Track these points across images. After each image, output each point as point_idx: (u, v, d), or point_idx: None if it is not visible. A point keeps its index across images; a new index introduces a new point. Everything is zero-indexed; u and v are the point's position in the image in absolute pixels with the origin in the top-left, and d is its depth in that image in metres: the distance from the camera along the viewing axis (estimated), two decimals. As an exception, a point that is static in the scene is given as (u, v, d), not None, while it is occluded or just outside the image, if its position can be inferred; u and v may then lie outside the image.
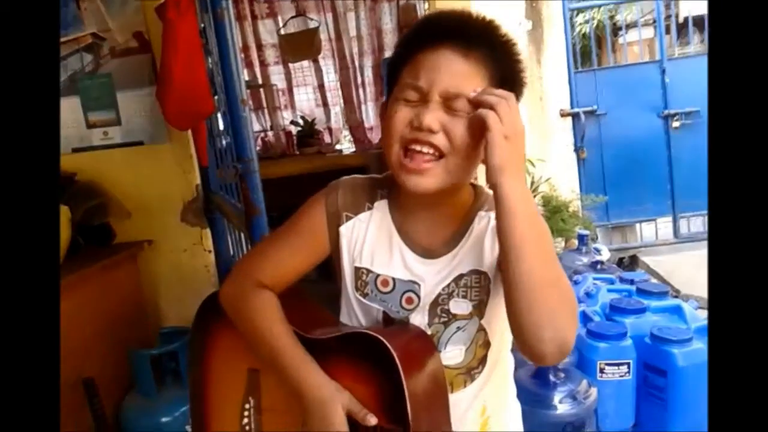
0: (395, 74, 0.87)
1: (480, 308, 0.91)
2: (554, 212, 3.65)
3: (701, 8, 4.98)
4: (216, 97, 2.09)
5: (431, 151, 0.82)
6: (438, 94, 0.81)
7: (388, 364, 0.81)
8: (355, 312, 0.95)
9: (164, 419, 2.01)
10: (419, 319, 0.90)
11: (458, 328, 0.91)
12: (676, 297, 2.84)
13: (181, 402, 2.02)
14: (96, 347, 2.12)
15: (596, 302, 2.39)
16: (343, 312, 0.98)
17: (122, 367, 2.18)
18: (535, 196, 3.84)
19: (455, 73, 0.81)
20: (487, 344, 0.94)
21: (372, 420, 0.82)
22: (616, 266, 3.35)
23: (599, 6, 5.24)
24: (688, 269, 3.73)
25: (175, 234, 2.52)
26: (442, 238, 0.91)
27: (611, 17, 5.70)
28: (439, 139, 0.82)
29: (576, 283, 2.56)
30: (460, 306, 0.90)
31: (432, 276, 0.90)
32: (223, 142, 2.38)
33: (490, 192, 0.93)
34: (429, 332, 0.91)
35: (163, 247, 2.53)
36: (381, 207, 0.94)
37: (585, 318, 2.27)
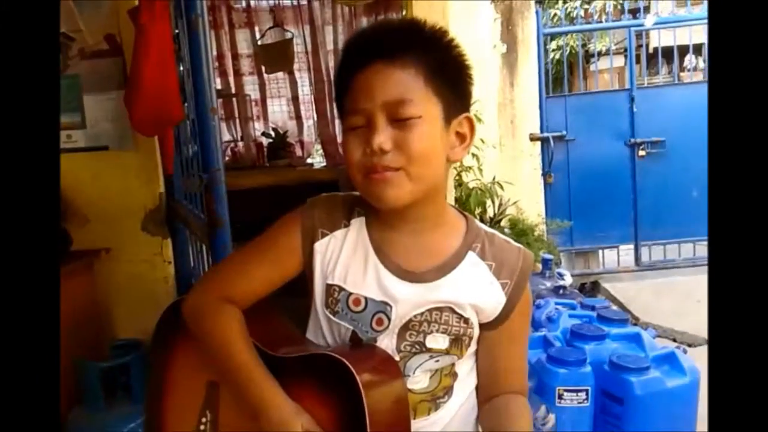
0: (340, 106, 0.88)
1: (457, 347, 0.90)
2: (520, 235, 3.69)
3: (670, 40, 5.13)
4: (186, 105, 2.06)
5: (389, 172, 0.82)
6: (379, 109, 0.81)
7: (350, 388, 0.80)
8: (323, 330, 0.93)
9: (110, 435, 1.94)
10: (387, 341, 0.89)
11: (431, 357, 0.90)
12: (635, 324, 2.88)
13: (130, 418, 1.95)
14: (45, 357, 2.03)
15: (557, 327, 2.40)
16: (310, 329, 0.96)
17: (70, 379, 2.10)
18: (501, 219, 3.89)
19: (389, 82, 0.81)
20: (454, 375, 0.93)
21: None
22: (578, 291, 3.39)
23: (573, 32, 5.36)
24: (647, 297, 3.81)
25: (134, 243, 2.46)
26: (425, 263, 0.89)
27: (584, 45, 5.84)
28: (393, 158, 0.81)
29: (538, 307, 2.58)
30: (437, 341, 0.89)
31: (406, 299, 0.88)
32: (190, 150, 2.35)
33: (482, 227, 0.95)
34: (397, 357, 0.89)
35: (121, 256, 2.46)
36: (357, 224, 0.92)
37: (546, 343, 2.28)
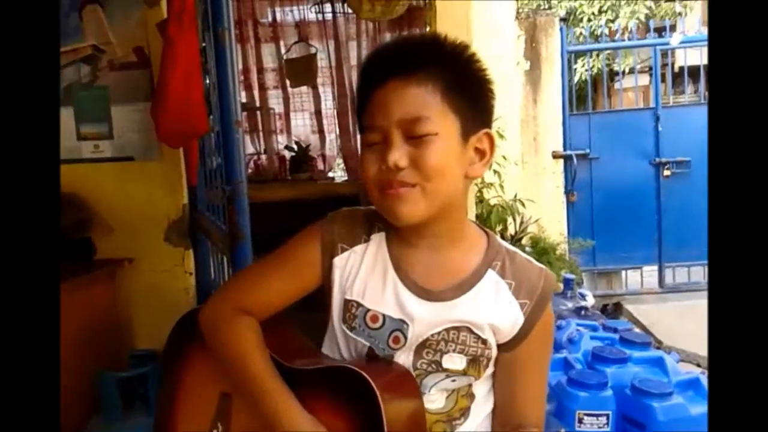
0: (359, 117, 0.88)
1: (475, 368, 0.89)
2: (541, 254, 3.65)
3: (697, 59, 5.08)
4: (211, 117, 2.08)
5: (405, 188, 0.82)
6: (395, 126, 0.81)
7: (369, 402, 0.79)
8: (339, 345, 0.93)
9: (128, 446, 1.94)
10: (404, 358, 0.88)
11: (448, 377, 0.89)
12: (658, 348, 2.82)
13: (148, 428, 1.92)
14: (63, 364, 2.04)
15: (578, 349, 2.36)
16: (326, 344, 0.96)
17: (89, 388, 2.11)
18: (522, 237, 3.85)
19: (406, 100, 0.81)
20: (471, 396, 0.92)
21: None
22: (599, 313, 3.34)
23: (597, 50, 5.34)
24: (671, 320, 3.73)
25: (156, 253, 2.48)
26: (443, 283, 0.88)
27: (608, 63, 5.81)
28: (409, 175, 0.81)
29: (559, 328, 2.54)
30: (453, 361, 0.88)
31: (423, 318, 0.87)
32: (214, 162, 2.37)
33: (504, 244, 0.94)
34: (414, 373, 0.88)
35: (143, 266, 2.49)
36: (377, 240, 0.91)
37: (566, 365, 2.24)
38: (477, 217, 3.25)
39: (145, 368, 2.00)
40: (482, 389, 0.93)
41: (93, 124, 2.51)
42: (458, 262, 0.89)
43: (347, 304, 0.90)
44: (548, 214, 4.45)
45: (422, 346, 0.87)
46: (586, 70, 6.19)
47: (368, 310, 0.89)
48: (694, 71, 5.44)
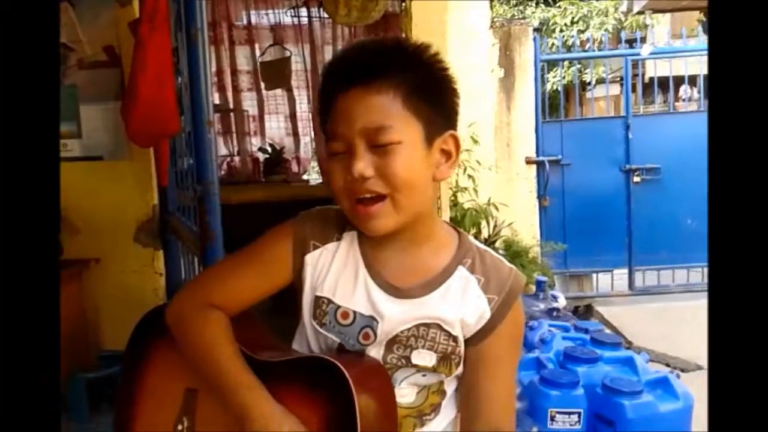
0: (323, 125, 0.88)
1: (445, 365, 0.88)
2: (514, 257, 3.69)
3: (666, 70, 5.20)
4: (182, 117, 2.05)
5: (374, 196, 0.82)
6: (357, 135, 0.80)
7: (341, 391, 0.78)
8: (309, 341, 0.92)
9: (95, 448, 1.90)
10: (374, 353, 0.88)
11: (418, 371, 0.88)
12: (628, 348, 2.87)
13: (115, 431, 1.91)
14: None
15: (550, 349, 2.39)
16: (296, 340, 0.95)
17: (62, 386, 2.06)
18: (496, 240, 3.89)
19: (367, 108, 0.80)
20: (442, 393, 0.91)
21: None
22: (571, 314, 3.38)
23: (570, 59, 5.43)
24: (640, 322, 3.80)
25: (125, 254, 2.44)
26: (413, 280, 0.88)
27: (580, 73, 5.92)
28: (375, 184, 0.81)
29: (531, 329, 2.56)
30: (423, 358, 0.87)
31: (393, 315, 0.87)
32: (185, 163, 2.34)
33: (475, 243, 0.93)
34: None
35: (111, 267, 2.45)
36: (349, 238, 0.91)
37: (538, 364, 2.26)
38: (452, 219, 3.27)
39: (113, 369, 1.96)
40: (453, 387, 0.93)
41: (62, 122, 2.46)
42: (428, 261, 0.89)
43: (318, 301, 0.90)
44: (521, 218, 4.50)
45: (392, 342, 0.87)
46: (558, 80, 6.30)
47: (339, 306, 0.88)
48: (663, 81, 5.57)
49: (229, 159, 3.96)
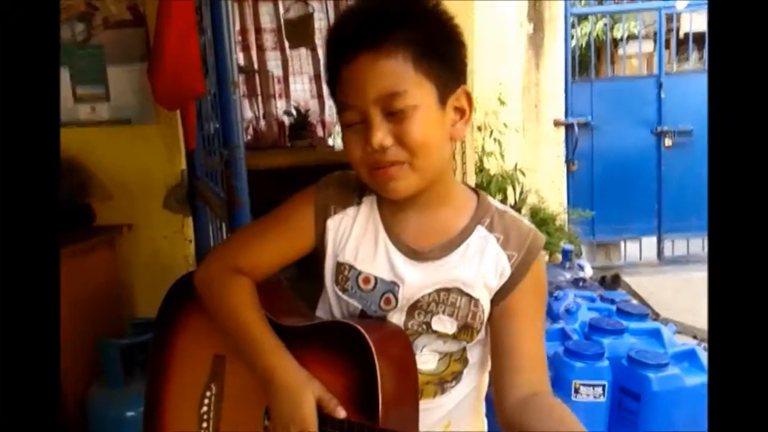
0: (333, 94, 0.86)
1: (466, 333, 0.88)
2: (541, 225, 3.64)
3: (702, 24, 4.98)
4: (207, 79, 2.03)
5: (394, 165, 0.81)
6: (372, 105, 0.79)
7: (363, 356, 0.80)
8: (332, 307, 0.93)
9: (129, 413, 1.96)
10: (396, 318, 0.89)
11: (439, 338, 0.89)
12: (655, 320, 2.85)
13: (148, 395, 1.96)
14: (64, 332, 2.03)
15: (576, 320, 2.38)
16: (320, 307, 0.97)
17: (90, 355, 2.12)
18: (522, 208, 3.84)
19: (378, 75, 0.78)
20: (464, 361, 0.92)
21: (341, 413, 0.82)
22: (597, 284, 3.36)
23: (602, 12, 5.22)
24: (669, 292, 3.75)
25: (156, 220, 2.47)
26: (432, 242, 0.88)
27: (611, 29, 5.70)
28: (396, 153, 0.80)
29: (557, 299, 2.55)
30: (443, 324, 0.88)
31: (414, 279, 0.87)
32: (212, 127, 2.33)
33: (494, 203, 0.93)
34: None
35: (142, 233, 2.47)
36: (369, 202, 0.91)
37: (563, 335, 2.26)
38: (477, 185, 3.23)
39: (146, 335, 2.00)
40: (476, 354, 0.93)
41: (89, 85, 2.46)
42: (448, 222, 0.90)
43: (340, 267, 0.91)
44: (548, 184, 4.43)
45: (413, 308, 0.88)
46: (585, 35, 6.07)
47: (360, 272, 0.89)
48: (699, 37, 5.34)
49: (254, 123, 3.95)
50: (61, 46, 2.41)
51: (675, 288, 3.70)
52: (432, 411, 0.90)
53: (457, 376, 0.92)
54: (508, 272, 0.87)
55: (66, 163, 2.33)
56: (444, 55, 0.82)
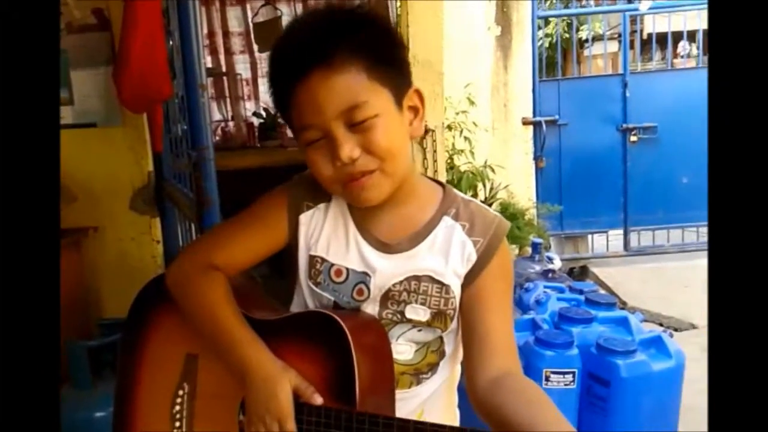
0: (286, 113, 0.86)
1: (440, 320, 0.90)
2: (511, 219, 3.66)
3: (665, 26, 5.12)
4: (174, 81, 2.02)
5: (365, 174, 0.82)
6: (334, 120, 0.79)
7: (339, 343, 0.80)
8: (305, 302, 0.94)
9: (99, 414, 1.93)
10: (370, 309, 0.90)
11: (413, 327, 0.90)
12: (623, 309, 2.91)
13: (118, 396, 1.94)
14: (32, 334, 2.02)
15: (546, 310, 2.42)
16: (294, 302, 0.97)
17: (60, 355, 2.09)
18: (492, 203, 3.89)
19: (335, 92, 0.79)
20: (441, 353, 0.93)
21: (318, 399, 0.82)
22: (566, 275, 3.42)
23: (568, 15, 5.33)
24: (635, 282, 3.85)
25: (122, 222, 2.44)
26: (401, 235, 0.90)
27: (579, 29, 5.82)
28: (366, 162, 0.81)
29: (527, 290, 2.59)
30: (416, 312, 0.89)
31: (385, 269, 0.89)
32: (179, 129, 2.32)
33: (460, 194, 0.95)
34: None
35: (109, 235, 2.45)
36: (339, 198, 0.93)
37: (534, 326, 2.29)
38: (448, 182, 3.26)
39: (114, 336, 1.98)
40: (451, 346, 0.94)
41: (52, 89, 2.42)
42: (415, 215, 0.92)
43: (312, 260, 0.92)
44: (517, 180, 4.50)
45: (386, 297, 0.89)
46: (548, 35, 6.18)
47: (332, 264, 0.91)
48: (661, 38, 5.49)
49: (223, 124, 3.93)
50: (23, 50, 2.37)
51: (641, 278, 3.79)
52: (407, 401, 0.91)
53: (432, 368, 0.93)
54: (474, 257, 0.89)
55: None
56: (394, 60, 0.84)
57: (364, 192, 0.84)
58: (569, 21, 5.31)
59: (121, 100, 2.11)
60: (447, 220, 0.91)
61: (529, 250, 3.20)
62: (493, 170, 3.86)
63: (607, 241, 4.92)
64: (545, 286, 2.64)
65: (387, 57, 0.83)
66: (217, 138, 3.72)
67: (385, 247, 0.90)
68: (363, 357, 0.81)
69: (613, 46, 7.34)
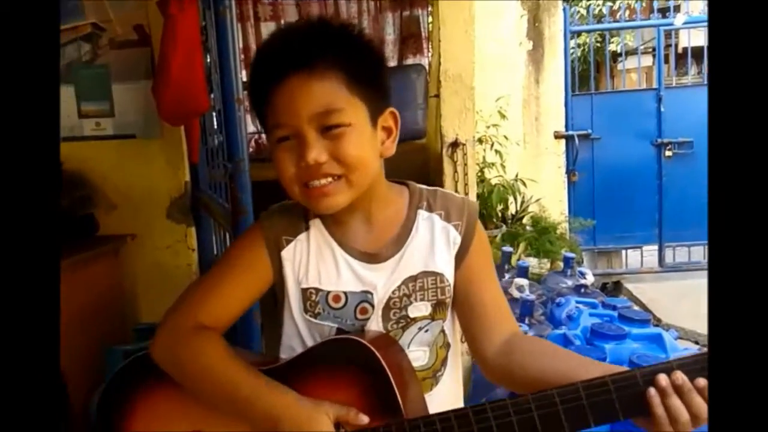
0: (260, 114, 0.87)
1: (441, 310, 0.92)
2: (542, 233, 3.66)
3: (700, 39, 5.04)
4: (212, 95, 2.08)
5: (329, 179, 0.82)
6: (306, 122, 0.80)
7: (367, 361, 0.80)
8: (302, 338, 0.92)
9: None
10: (374, 326, 0.90)
11: (420, 329, 0.91)
12: (657, 325, 2.85)
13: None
14: (68, 339, 2.06)
15: (578, 326, 2.38)
16: (284, 345, 0.94)
17: (94, 362, 2.14)
18: (523, 217, 3.86)
19: (312, 96, 0.80)
20: (447, 345, 0.95)
21: (364, 418, 0.79)
22: (599, 291, 3.36)
23: (600, 30, 5.29)
24: (670, 299, 3.76)
25: (159, 230, 2.50)
26: (384, 241, 0.91)
27: (610, 42, 5.77)
28: (331, 167, 0.81)
29: (559, 305, 2.56)
30: (419, 309, 0.91)
31: (382, 281, 0.89)
32: (216, 140, 2.37)
33: (422, 186, 0.97)
34: None
35: (146, 243, 2.51)
36: (316, 225, 0.92)
37: (565, 341, 2.26)
38: (478, 195, 3.26)
39: (149, 341, 2.02)
40: (451, 334, 0.96)
41: (94, 102, 2.51)
42: (390, 218, 0.92)
43: (305, 293, 0.90)
44: (549, 194, 4.46)
45: (387, 309, 0.89)
46: (581, 46, 6.13)
47: (329, 292, 0.89)
48: (697, 52, 5.42)
49: (257, 136, 4.00)
50: (67, 66, 2.47)
51: (676, 295, 3.70)
52: (431, 404, 0.91)
53: (444, 362, 0.95)
54: (459, 239, 0.92)
55: (69, 175, 2.38)
56: (374, 79, 0.85)
57: (325, 198, 0.83)
58: (602, 34, 5.26)
59: (159, 113, 2.18)
60: (422, 214, 0.93)
61: (561, 264, 3.16)
62: (524, 183, 3.84)
63: (642, 256, 4.82)
64: (577, 301, 2.60)
65: (368, 74, 0.84)
66: (251, 149, 3.79)
67: (373, 257, 0.90)
68: (392, 368, 0.80)
69: (647, 60, 7.25)
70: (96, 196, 2.43)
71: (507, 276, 3.17)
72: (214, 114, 2.36)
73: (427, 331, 0.92)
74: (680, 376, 0.71)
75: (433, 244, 0.91)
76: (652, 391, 0.71)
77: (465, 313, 0.93)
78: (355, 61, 0.82)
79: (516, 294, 2.76)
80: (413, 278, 0.90)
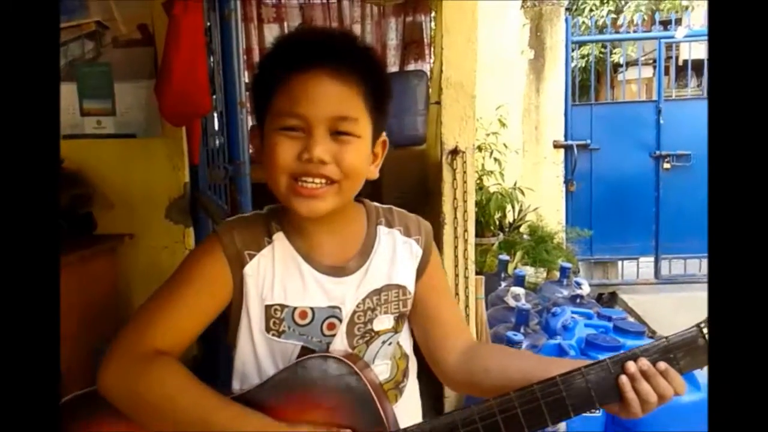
0: (265, 97, 0.83)
1: (402, 322, 0.94)
2: (539, 242, 3.67)
3: (701, 53, 5.06)
4: (214, 97, 2.08)
5: (323, 181, 0.81)
6: (321, 120, 0.79)
7: (344, 379, 0.80)
8: (259, 360, 0.87)
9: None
10: (339, 342, 0.88)
11: (383, 342, 0.92)
12: (651, 337, 2.85)
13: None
14: (63, 338, 2.05)
15: (572, 336, 2.39)
16: (237, 368, 0.89)
17: (88, 360, 2.13)
18: (521, 226, 3.87)
19: (334, 97, 0.79)
20: (405, 357, 0.97)
21: (346, 430, 0.78)
22: (595, 301, 3.36)
23: (602, 41, 5.32)
24: (665, 311, 3.76)
25: (157, 230, 2.50)
26: (350, 254, 0.91)
27: (611, 52, 5.79)
28: (331, 170, 0.81)
29: (554, 315, 2.56)
30: (382, 322, 0.91)
31: (348, 294, 0.88)
32: (217, 142, 2.38)
33: (376, 204, 0.98)
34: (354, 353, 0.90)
35: (143, 243, 2.51)
36: (280, 238, 0.88)
37: (560, 351, 2.26)
38: (476, 203, 3.26)
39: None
40: (407, 345, 0.97)
41: (96, 100, 2.51)
42: (353, 233, 0.93)
43: (269, 310, 0.85)
44: (547, 203, 4.47)
45: (352, 323, 0.88)
46: (584, 57, 6.14)
47: (295, 308, 0.86)
48: (697, 65, 5.43)
49: (257, 138, 4.00)
50: (70, 63, 2.47)
51: (672, 307, 3.70)
52: (399, 415, 0.90)
53: (405, 373, 0.97)
54: (420, 252, 0.95)
55: (69, 173, 2.38)
56: (384, 104, 0.86)
57: (312, 200, 0.81)
58: (604, 44, 5.28)
59: (161, 114, 2.18)
60: (383, 229, 0.94)
61: (557, 274, 3.16)
62: (522, 192, 3.84)
63: (638, 268, 4.83)
64: (573, 312, 2.61)
65: (381, 97, 0.86)
66: (251, 151, 3.79)
67: (340, 271, 0.88)
68: (371, 385, 0.81)
69: (647, 72, 7.28)
70: (94, 195, 2.42)
71: (503, 284, 3.18)
72: (215, 116, 2.37)
73: (390, 344, 0.93)
74: (645, 363, 0.78)
75: (395, 258, 0.93)
76: (623, 378, 0.77)
77: (424, 324, 0.96)
78: (374, 81, 0.84)
79: (512, 303, 2.77)
80: (377, 291, 0.90)
